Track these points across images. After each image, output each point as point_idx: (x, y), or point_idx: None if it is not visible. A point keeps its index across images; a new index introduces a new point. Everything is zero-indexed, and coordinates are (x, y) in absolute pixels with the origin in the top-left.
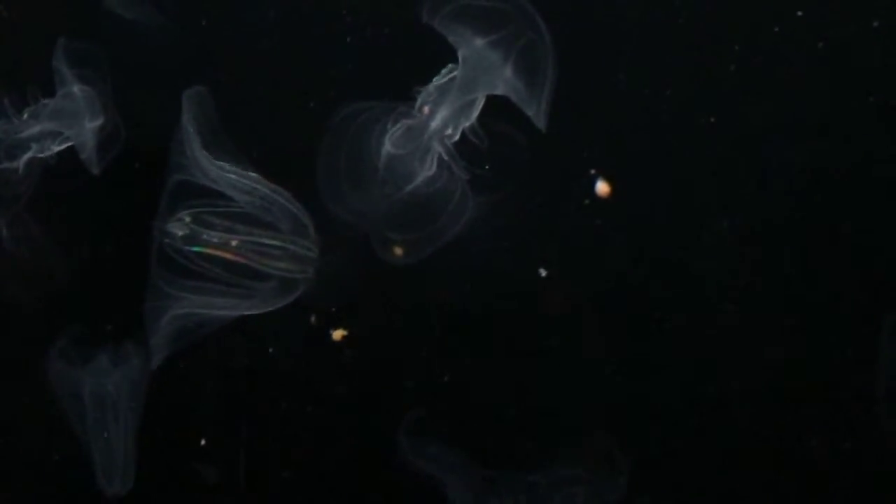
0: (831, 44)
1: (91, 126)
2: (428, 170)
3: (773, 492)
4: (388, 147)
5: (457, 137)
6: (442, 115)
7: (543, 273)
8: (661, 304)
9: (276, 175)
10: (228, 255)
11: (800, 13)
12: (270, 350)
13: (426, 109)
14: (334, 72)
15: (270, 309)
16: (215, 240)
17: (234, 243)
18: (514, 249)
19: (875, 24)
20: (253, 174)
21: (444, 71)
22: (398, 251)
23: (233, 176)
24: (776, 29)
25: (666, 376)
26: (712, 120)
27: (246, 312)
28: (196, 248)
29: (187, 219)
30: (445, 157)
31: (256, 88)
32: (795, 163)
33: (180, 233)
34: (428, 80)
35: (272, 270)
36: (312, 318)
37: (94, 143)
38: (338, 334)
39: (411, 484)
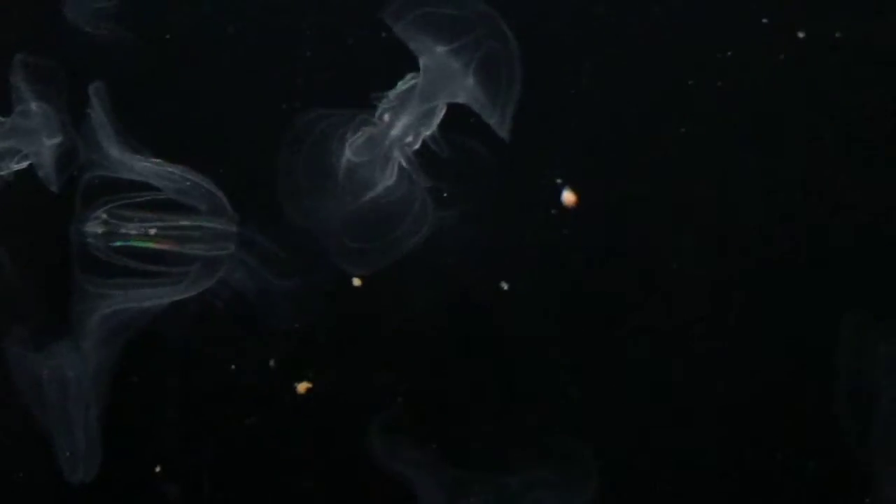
0: (794, 54)
1: (49, 143)
2: (388, 178)
3: (741, 492)
4: (348, 155)
5: (417, 145)
6: (402, 123)
7: (505, 286)
8: (629, 312)
9: (238, 185)
10: (150, 245)
11: (765, 20)
12: (233, 367)
13: (386, 117)
14: (297, 82)
15: (199, 291)
16: (133, 232)
17: (152, 232)
18: (480, 259)
19: (837, 34)
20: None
21: (404, 80)
22: (357, 280)
23: (147, 164)
24: (742, 38)
25: (632, 382)
26: (683, 130)
27: (176, 298)
28: (117, 244)
29: (104, 216)
30: (406, 166)
31: (219, 100)
32: (760, 171)
33: (99, 231)
34: (389, 89)
35: (195, 252)
36: (272, 363)
37: (53, 161)
38: (302, 387)
39: (380, 487)
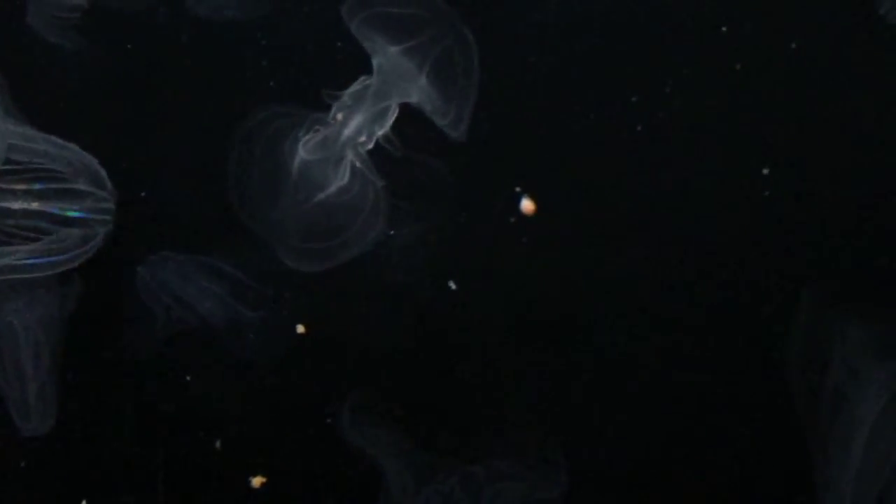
0: (752, 63)
1: None
2: (341, 178)
3: (705, 484)
4: (301, 154)
5: (371, 145)
6: (356, 123)
7: (453, 286)
8: (588, 319)
9: (193, 194)
10: (28, 221)
11: (724, 29)
12: (188, 378)
13: (340, 116)
14: (253, 87)
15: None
16: (15, 206)
17: (34, 205)
18: (438, 268)
19: (793, 45)
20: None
21: (358, 80)
22: (301, 328)
23: (28, 136)
24: (700, 46)
25: (596, 384)
26: (639, 128)
27: (51, 271)
28: None
29: None
30: (359, 165)
31: (178, 110)
32: (719, 175)
33: None
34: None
35: (72, 224)
36: (217, 444)
37: None
38: (257, 481)
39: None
